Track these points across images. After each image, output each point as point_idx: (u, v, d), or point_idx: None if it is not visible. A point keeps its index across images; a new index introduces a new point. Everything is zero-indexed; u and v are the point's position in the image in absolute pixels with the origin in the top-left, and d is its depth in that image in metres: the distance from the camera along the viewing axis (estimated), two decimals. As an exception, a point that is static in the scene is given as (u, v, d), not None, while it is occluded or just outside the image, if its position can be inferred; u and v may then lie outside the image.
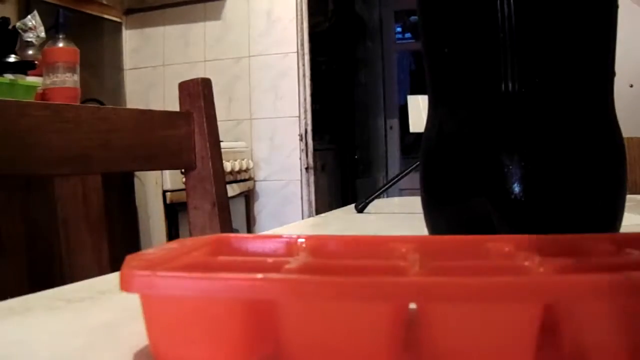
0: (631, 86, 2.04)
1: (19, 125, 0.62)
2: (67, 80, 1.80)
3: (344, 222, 0.74)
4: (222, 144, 0.96)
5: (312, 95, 2.53)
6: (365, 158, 4.37)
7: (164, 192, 1.86)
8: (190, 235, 0.85)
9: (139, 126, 0.75)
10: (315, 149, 2.57)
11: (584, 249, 0.25)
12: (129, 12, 2.64)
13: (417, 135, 0.80)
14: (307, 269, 0.22)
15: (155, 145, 0.77)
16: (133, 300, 0.21)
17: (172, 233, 1.88)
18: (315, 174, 2.56)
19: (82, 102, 1.92)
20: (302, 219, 2.33)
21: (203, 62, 2.54)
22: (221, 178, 0.86)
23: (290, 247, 0.28)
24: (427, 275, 0.20)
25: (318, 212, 2.48)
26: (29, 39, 1.72)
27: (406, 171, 0.83)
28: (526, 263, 0.21)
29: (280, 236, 0.28)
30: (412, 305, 0.20)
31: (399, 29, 4.65)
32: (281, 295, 0.19)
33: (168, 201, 1.86)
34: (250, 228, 2.48)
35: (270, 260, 0.24)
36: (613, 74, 0.36)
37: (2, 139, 0.60)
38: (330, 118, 3.57)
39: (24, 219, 1.00)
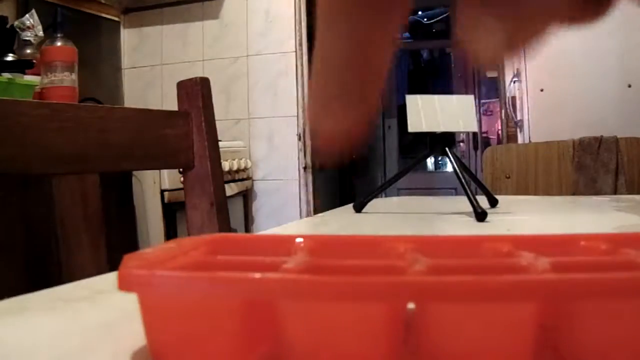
0: (629, 86, 2.04)
1: (17, 124, 0.62)
2: (65, 79, 1.79)
3: (342, 221, 0.74)
4: (220, 144, 0.96)
5: (311, 94, 2.52)
6: (363, 157, 4.37)
7: (162, 191, 1.86)
8: (188, 234, 0.85)
9: (137, 125, 0.75)
10: (313, 149, 2.57)
11: (583, 249, 0.26)
12: (127, 11, 2.64)
13: (416, 135, 0.80)
14: (305, 268, 0.22)
15: (153, 144, 0.77)
16: (131, 300, 0.21)
17: (170, 232, 1.88)
18: (313, 174, 2.56)
19: (80, 101, 1.92)
20: (300, 218, 2.33)
21: (201, 61, 2.54)
22: (219, 177, 0.86)
23: (288, 246, 0.27)
24: (426, 275, 0.20)
25: (316, 211, 2.48)
26: (27, 38, 1.72)
27: (404, 171, 0.83)
28: (524, 262, 0.21)
29: (278, 236, 0.28)
30: (411, 305, 0.20)
31: (397, 29, 4.64)
32: (279, 295, 0.19)
33: (166, 200, 1.86)
34: (248, 227, 2.48)
35: (268, 259, 0.24)
36: None
37: (0, 138, 0.60)
38: (328, 118, 3.56)
39: (22, 218, 1.00)
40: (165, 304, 0.21)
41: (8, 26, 1.65)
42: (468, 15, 0.15)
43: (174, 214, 1.89)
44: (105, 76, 2.54)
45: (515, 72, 2.18)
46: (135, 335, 0.23)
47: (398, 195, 2.18)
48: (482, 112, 4.27)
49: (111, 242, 0.76)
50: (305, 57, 2.49)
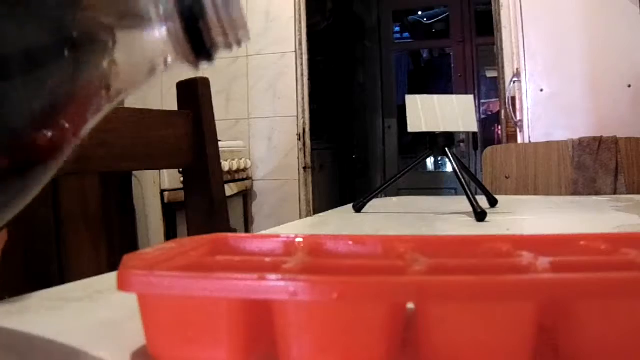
0: (629, 86, 2.04)
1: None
2: (65, 79, 1.79)
3: (341, 221, 0.74)
4: (220, 144, 0.96)
5: (310, 94, 2.53)
6: (363, 158, 4.38)
7: (162, 191, 1.86)
8: (188, 234, 0.85)
9: (137, 125, 0.75)
10: (313, 149, 2.57)
11: (583, 249, 0.26)
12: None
13: (415, 135, 0.80)
14: (304, 268, 0.22)
15: (153, 144, 0.77)
16: (131, 300, 0.21)
17: (170, 232, 1.88)
18: (313, 174, 2.56)
19: (80, 101, 1.91)
20: (300, 218, 2.33)
21: (201, 61, 2.53)
22: (219, 177, 0.86)
23: (288, 246, 0.28)
24: (425, 275, 0.20)
25: (316, 211, 2.48)
26: (26, 38, 1.72)
27: (404, 171, 0.83)
28: (524, 262, 0.21)
29: (278, 236, 0.28)
30: (411, 305, 0.20)
31: (397, 29, 4.65)
32: (279, 295, 0.19)
33: (166, 200, 1.86)
34: (248, 227, 2.48)
35: (268, 259, 0.24)
36: None
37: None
38: (328, 118, 3.57)
39: (22, 218, 1.00)
40: (165, 304, 0.21)
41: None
42: None
43: (173, 214, 1.89)
44: (105, 76, 2.53)
45: (515, 72, 2.18)
46: (135, 335, 0.23)
47: (398, 195, 2.18)
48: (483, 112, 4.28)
49: (111, 242, 0.76)
50: (305, 57, 2.49)
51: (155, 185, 1.85)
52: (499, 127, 2.46)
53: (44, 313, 0.31)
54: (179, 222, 1.90)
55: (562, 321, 0.20)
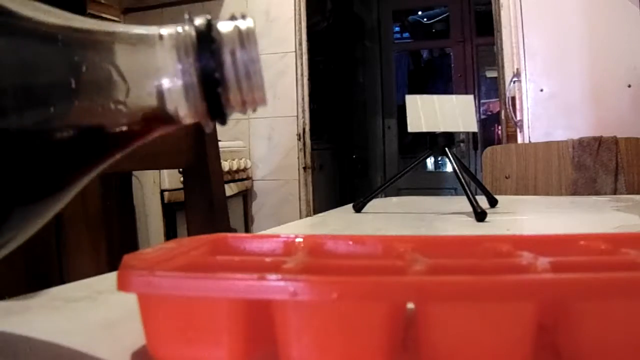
0: (629, 86, 2.04)
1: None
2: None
3: (341, 221, 0.74)
4: (220, 144, 0.96)
5: (310, 94, 2.53)
6: (363, 158, 4.38)
7: (162, 191, 1.86)
8: (188, 234, 0.84)
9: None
10: (313, 149, 2.57)
11: (583, 249, 0.26)
12: (127, 11, 2.64)
13: (415, 135, 0.80)
14: (304, 268, 0.22)
15: (153, 144, 0.77)
16: (131, 300, 0.21)
17: (170, 232, 1.88)
18: (313, 174, 2.56)
19: (80, 101, 1.91)
20: (300, 218, 2.33)
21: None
22: (219, 177, 0.86)
23: (288, 246, 0.28)
24: (425, 275, 0.20)
25: (316, 211, 2.48)
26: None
27: (404, 171, 0.83)
28: (524, 262, 0.21)
29: (278, 236, 0.28)
30: (410, 305, 0.20)
31: (397, 29, 4.65)
32: (279, 295, 0.19)
33: (166, 200, 1.86)
34: (248, 227, 2.48)
35: (268, 259, 0.24)
36: None
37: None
38: (328, 118, 3.57)
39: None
40: (165, 304, 0.21)
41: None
42: None
43: (173, 214, 1.89)
44: (105, 76, 2.53)
45: (515, 72, 2.18)
46: (135, 335, 0.23)
47: (398, 195, 2.18)
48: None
49: (111, 242, 0.75)
50: (305, 57, 2.49)
51: (155, 185, 1.85)
52: (499, 127, 2.46)
53: (43, 313, 0.31)
54: (179, 222, 1.90)
55: (562, 321, 0.20)
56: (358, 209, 0.80)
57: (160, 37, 0.20)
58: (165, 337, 0.21)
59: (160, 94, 0.20)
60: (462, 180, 0.73)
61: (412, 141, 4.42)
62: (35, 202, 0.19)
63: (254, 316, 0.21)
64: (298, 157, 2.49)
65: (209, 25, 0.20)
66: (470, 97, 0.84)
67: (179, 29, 0.20)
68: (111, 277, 0.22)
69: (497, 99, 2.43)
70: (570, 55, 2.10)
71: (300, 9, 2.48)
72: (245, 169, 2.38)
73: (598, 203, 0.90)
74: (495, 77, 2.40)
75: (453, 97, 0.84)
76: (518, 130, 2.19)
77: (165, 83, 0.20)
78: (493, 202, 0.82)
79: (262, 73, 0.20)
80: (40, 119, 0.18)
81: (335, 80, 3.81)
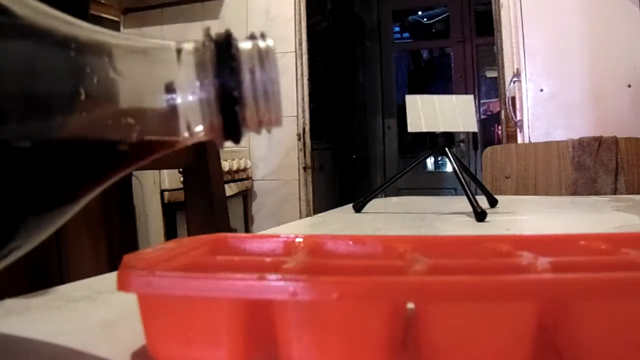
0: (629, 86, 2.04)
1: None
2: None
3: (341, 221, 0.74)
4: (220, 144, 0.95)
5: (310, 94, 2.53)
6: (363, 157, 4.38)
7: (162, 191, 1.86)
8: (188, 234, 0.84)
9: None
10: (313, 149, 2.57)
11: (583, 249, 0.26)
12: (127, 11, 2.64)
13: (415, 135, 0.80)
14: (304, 268, 0.22)
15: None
16: (131, 300, 0.21)
17: (170, 232, 1.88)
18: (313, 174, 2.56)
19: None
20: (300, 218, 2.33)
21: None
22: (219, 177, 0.86)
23: (288, 246, 0.28)
24: (425, 275, 0.20)
25: (316, 211, 2.48)
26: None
27: (404, 171, 0.83)
28: (524, 262, 0.21)
29: (278, 236, 0.28)
30: (410, 305, 0.20)
31: (397, 29, 4.65)
32: (279, 295, 0.19)
33: (166, 200, 1.86)
34: (248, 227, 2.48)
35: (268, 259, 0.24)
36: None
37: None
38: (328, 118, 3.57)
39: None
40: (165, 304, 0.21)
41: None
42: None
43: (173, 214, 1.89)
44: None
45: (515, 72, 2.18)
46: (135, 335, 0.23)
47: (398, 195, 2.18)
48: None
49: (111, 242, 0.75)
50: (305, 57, 2.49)
51: (155, 185, 1.85)
52: (499, 127, 2.46)
53: (44, 313, 0.31)
54: (179, 222, 1.90)
55: (562, 321, 0.20)
56: (358, 209, 0.80)
57: (179, 51, 0.20)
58: (165, 337, 0.21)
59: (175, 109, 0.20)
60: (462, 180, 0.73)
61: (412, 141, 4.42)
62: (46, 213, 0.19)
63: (254, 316, 0.21)
64: (298, 157, 2.49)
65: (229, 42, 0.20)
66: (470, 97, 0.84)
67: (199, 44, 0.20)
68: (111, 277, 0.22)
69: (497, 99, 2.44)
70: (570, 55, 2.10)
71: (300, 9, 2.48)
72: (245, 169, 2.38)
73: (598, 203, 0.90)
74: (495, 77, 2.41)
75: (453, 97, 0.84)
76: (518, 130, 2.19)
77: (182, 98, 0.20)
78: (493, 202, 0.82)
79: (280, 93, 0.20)
80: (53, 130, 0.18)
81: (335, 80, 3.81)
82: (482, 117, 4.26)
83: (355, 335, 0.19)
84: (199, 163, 0.83)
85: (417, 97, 0.81)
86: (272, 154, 2.51)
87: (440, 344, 0.19)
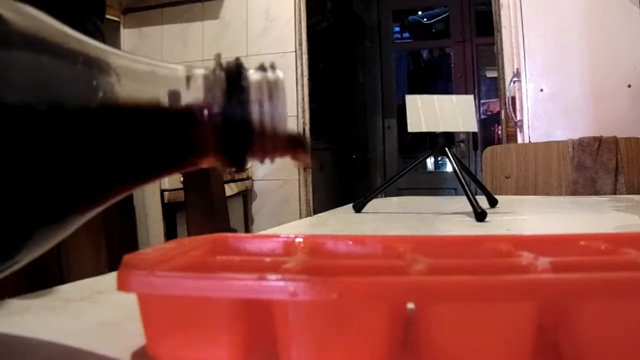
0: (629, 86, 2.04)
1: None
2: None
3: (342, 221, 0.74)
4: (220, 144, 0.95)
5: (310, 94, 2.53)
6: (363, 158, 4.38)
7: (162, 191, 1.86)
8: (188, 234, 0.84)
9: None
10: (313, 149, 2.57)
11: (583, 249, 0.26)
12: (127, 11, 2.64)
13: (415, 135, 0.80)
14: (304, 268, 0.22)
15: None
16: (131, 300, 0.21)
17: (170, 232, 1.88)
18: (313, 174, 2.56)
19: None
20: (300, 218, 2.33)
21: (201, 61, 2.54)
22: (219, 177, 0.85)
23: (288, 246, 0.28)
24: (425, 275, 0.20)
25: (316, 211, 2.48)
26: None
27: (404, 171, 0.83)
28: (524, 262, 0.21)
29: (278, 236, 0.28)
30: (410, 305, 0.20)
31: (397, 29, 4.65)
32: (279, 295, 0.19)
33: (166, 200, 1.86)
34: (248, 227, 2.48)
35: (268, 260, 0.24)
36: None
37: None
38: (328, 118, 3.57)
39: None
40: (165, 304, 0.21)
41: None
42: None
43: (173, 214, 1.89)
44: (105, 76, 2.53)
45: (515, 72, 2.18)
46: (135, 335, 0.23)
47: (398, 195, 2.18)
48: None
49: (111, 242, 0.75)
50: (305, 57, 2.49)
51: (155, 185, 1.85)
52: (499, 127, 2.46)
53: (44, 313, 0.31)
54: (179, 222, 1.90)
55: (562, 321, 0.20)
56: (358, 209, 0.80)
57: (189, 78, 0.20)
58: (165, 337, 0.21)
59: (183, 136, 0.20)
60: (462, 180, 0.73)
61: (412, 141, 4.42)
62: (55, 224, 0.19)
63: (254, 316, 0.21)
64: (298, 157, 2.49)
65: (240, 72, 0.20)
66: (470, 97, 0.84)
67: (209, 71, 0.20)
68: (111, 277, 0.22)
69: (497, 99, 2.44)
70: (570, 55, 2.10)
71: (300, 9, 2.48)
72: (245, 169, 2.38)
73: (598, 203, 0.90)
74: (495, 77, 2.41)
75: (453, 97, 0.84)
76: (518, 130, 2.19)
77: (188, 125, 0.20)
78: (493, 202, 0.82)
79: (286, 125, 0.20)
80: (61, 147, 0.18)
81: (335, 80, 3.81)
82: (482, 117, 4.26)
83: (355, 335, 0.19)
84: (199, 163, 0.83)
85: (417, 97, 0.81)
86: (272, 154, 2.50)
87: (440, 344, 0.19)
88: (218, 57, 0.20)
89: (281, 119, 0.20)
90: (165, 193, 1.86)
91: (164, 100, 0.20)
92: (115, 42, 2.60)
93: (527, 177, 1.47)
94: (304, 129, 2.49)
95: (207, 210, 0.83)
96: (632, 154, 1.47)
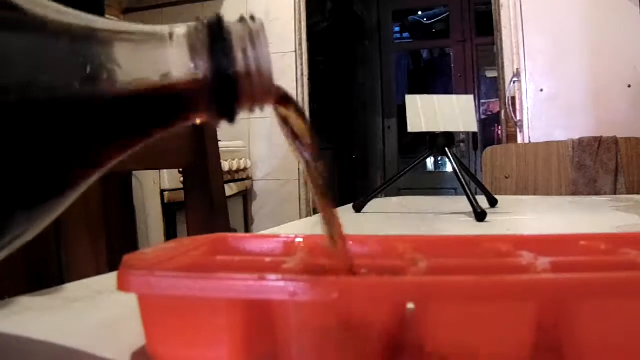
0: (629, 86, 2.04)
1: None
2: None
3: (341, 221, 0.74)
4: (220, 143, 0.96)
5: (310, 94, 2.53)
6: (363, 158, 4.37)
7: (162, 191, 1.86)
8: (188, 234, 0.84)
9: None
10: (313, 149, 2.57)
11: (583, 249, 0.26)
12: (127, 11, 2.64)
13: (415, 135, 0.80)
14: (304, 268, 0.22)
15: (153, 144, 0.77)
16: (131, 300, 0.21)
17: (170, 232, 1.88)
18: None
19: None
20: (300, 218, 2.33)
21: (201, 61, 2.53)
22: (219, 177, 0.85)
23: (288, 246, 0.28)
24: (425, 275, 0.20)
25: (316, 211, 2.47)
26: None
27: (404, 171, 0.83)
28: (524, 262, 0.21)
29: (278, 236, 0.28)
30: (411, 305, 0.20)
31: (397, 29, 4.65)
32: (279, 295, 0.19)
33: (166, 200, 1.86)
34: (248, 228, 2.47)
35: (268, 259, 0.24)
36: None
37: None
38: (328, 118, 3.57)
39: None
40: (165, 304, 0.21)
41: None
42: None
43: (173, 214, 1.89)
44: (105, 76, 2.53)
45: (515, 72, 2.18)
46: (135, 335, 0.23)
47: (398, 195, 2.18)
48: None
49: (111, 242, 0.75)
50: (305, 57, 2.49)
51: (155, 185, 1.85)
52: (499, 127, 2.46)
53: (44, 313, 0.31)
54: (179, 222, 1.90)
55: (562, 321, 0.20)
56: (358, 209, 0.80)
57: (171, 35, 0.20)
58: (165, 337, 0.21)
59: (171, 91, 0.20)
60: (462, 180, 0.73)
61: (412, 141, 4.42)
62: (37, 204, 0.19)
63: (254, 316, 0.21)
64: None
65: (221, 24, 0.20)
66: (470, 97, 0.84)
67: (191, 27, 0.20)
68: (111, 277, 0.22)
69: (497, 99, 2.43)
70: (570, 55, 2.10)
71: (300, 9, 2.48)
72: (245, 169, 2.38)
73: (598, 203, 0.90)
74: (495, 77, 2.40)
75: (453, 97, 0.84)
76: (518, 130, 2.19)
77: (177, 80, 0.20)
78: (493, 202, 0.82)
79: (272, 72, 0.20)
80: (44, 118, 0.18)
81: (335, 80, 3.81)
82: (482, 117, 4.26)
83: (354, 335, 0.19)
84: (199, 163, 0.83)
85: (417, 97, 0.81)
86: (272, 154, 2.51)
87: (440, 343, 0.19)
88: (198, 17, 0.21)
89: (266, 64, 0.20)
90: (165, 193, 1.86)
91: (151, 57, 0.20)
92: (115, 42, 2.60)
93: (527, 177, 1.47)
94: (304, 129, 2.49)
95: (207, 210, 0.83)
96: (632, 154, 1.47)
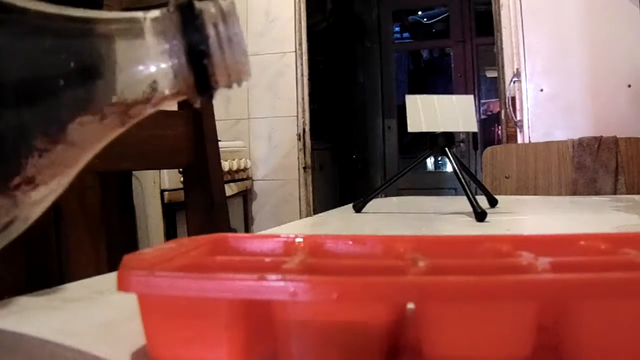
0: (629, 86, 2.04)
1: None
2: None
3: (341, 221, 0.74)
4: (220, 144, 0.96)
5: (310, 94, 2.53)
6: (363, 158, 4.38)
7: (162, 191, 1.86)
8: (188, 234, 0.84)
9: (137, 125, 0.75)
10: (313, 149, 2.57)
11: (583, 249, 0.26)
12: (127, 10, 2.64)
13: (415, 135, 0.80)
14: (305, 268, 0.22)
15: (153, 144, 0.77)
16: (131, 300, 0.21)
17: (170, 232, 1.88)
18: (313, 174, 2.56)
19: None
20: (300, 218, 2.33)
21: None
22: (219, 177, 0.85)
23: (288, 246, 0.27)
24: (425, 275, 0.20)
25: (316, 211, 2.48)
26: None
27: (404, 171, 0.83)
28: (524, 262, 0.21)
29: (277, 236, 0.28)
30: (411, 305, 0.20)
31: (397, 29, 4.65)
32: (279, 295, 0.19)
33: (166, 200, 1.86)
34: (248, 227, 2.48)
35: (268, 259, 0.24)
36: None
37: None
38: (328, 118, 3.57)
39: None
40: (165, 304, 0.21)
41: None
42: None
43: (173, 214, 1.89)
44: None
45: (515, 72, 2.18)
46: (135, 335, 0.23)
47: (398, 195, 2.18)
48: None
49: (111, 242, 0.75)
50: (305, 57, 2.49)
51: (155, 185, 1.85)
52: (499, 127, 2.46)
53: (44, 313, 0.31)
54: (179, 222, 1.90)
55: (562, 321, 0.20)
56: (358, 209, 0.80)
57: (145, 19, 0.21)
58: (165, 337, 0.21)
59: (149, 73, 0.21)
60: (462, 180, 0.73)
61: (412, 141, 4.42)
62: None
63: (254, 316, 0.21)
64: (298, 157, 2.49)
65: (192, 4, 0.21)
66: (470, 97, 0.84)
67: (163, 10, 0.21)
68: (111, 277, 0.22)
69: (497, 99, 2.43)
70: (570, 55, 2.10)
71: (300, 9, 2.48)
72: (245, 169, 2.38)
73: (598, 203, 0.90)
74: (495, 77, 2.40)
75: (453, 97, 0.84)
76: (518, 130, 2.19)
77: (154, 62, 0.21)
78: (493, 202, 0.82)
79: (245, 46, 0.21)
80: (29, 107, 0.19)
81: (335, 80, 3.81)
82: (482, 117, 4.26)
83: (355, 335, 0.19)
84: (199, 163, 0.83)
85: (417, 97, 0.81)
86: (272, 154, 2.51)
87: (440, 343, 0.19)
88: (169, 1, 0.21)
89: (238, 38, 0.21)
90: (165, 193, 1.86)
91: (128, 41, 0.21)
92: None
93: (527, 177, 1.47)
94: (304, 129, 2.49)
95: (207, 210, 0.83)
96: (632, 154, 1.47)
